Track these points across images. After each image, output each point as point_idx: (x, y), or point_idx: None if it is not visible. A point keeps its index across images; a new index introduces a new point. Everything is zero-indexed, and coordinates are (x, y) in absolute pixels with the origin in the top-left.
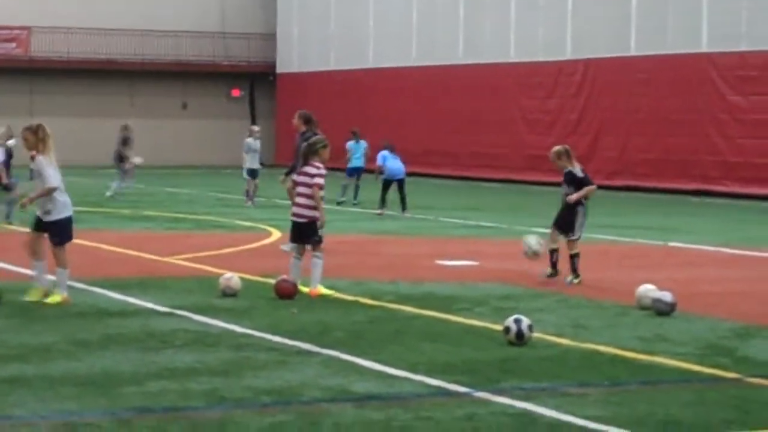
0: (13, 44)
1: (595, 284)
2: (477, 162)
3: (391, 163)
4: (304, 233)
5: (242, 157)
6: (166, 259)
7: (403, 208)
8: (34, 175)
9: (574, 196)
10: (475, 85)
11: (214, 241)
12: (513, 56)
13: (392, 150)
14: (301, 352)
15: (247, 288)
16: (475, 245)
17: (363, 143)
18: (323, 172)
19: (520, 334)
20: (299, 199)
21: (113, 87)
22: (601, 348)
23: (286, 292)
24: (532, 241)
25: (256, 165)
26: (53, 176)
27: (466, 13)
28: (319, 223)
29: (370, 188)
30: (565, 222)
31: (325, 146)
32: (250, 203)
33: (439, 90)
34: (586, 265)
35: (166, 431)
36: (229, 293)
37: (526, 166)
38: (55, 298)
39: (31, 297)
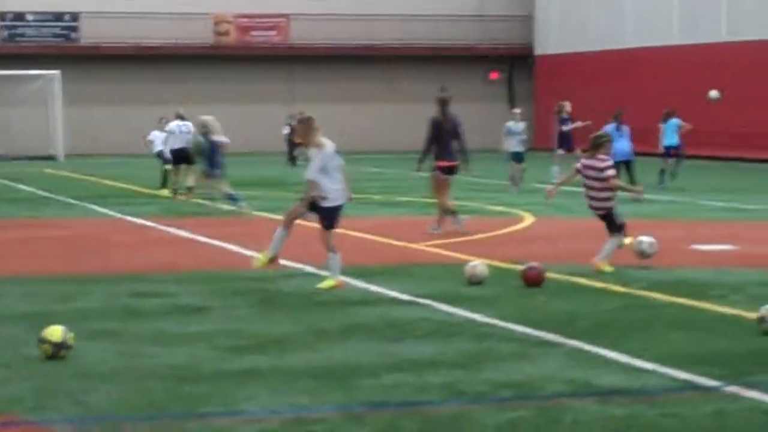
0: (273, 32)
1: None
2: (736, 141)
3: (617, 142)
4: (608, 222)
5: (502, 141)
6: (414, 245)
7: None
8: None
9: None
10: (737, 63)
11: (465, 227)
12: None
13: (619, 125)
14: (544, 343)
15: (494, 275)
16: (733, 228)
17: (675, 121)
18: (610, 162)
19: None
20: (592, 193)
21: (372, 72)
22: None
23: (534, 280)
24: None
25: (519, 148)
26: (313, 169)
27: None
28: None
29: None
30: None
31: (609, 140)
32: (514, 189)
33: (700, 69)
34: None
35: (398, 427)
36: (474, 281)
37: None
38: (328, 283)
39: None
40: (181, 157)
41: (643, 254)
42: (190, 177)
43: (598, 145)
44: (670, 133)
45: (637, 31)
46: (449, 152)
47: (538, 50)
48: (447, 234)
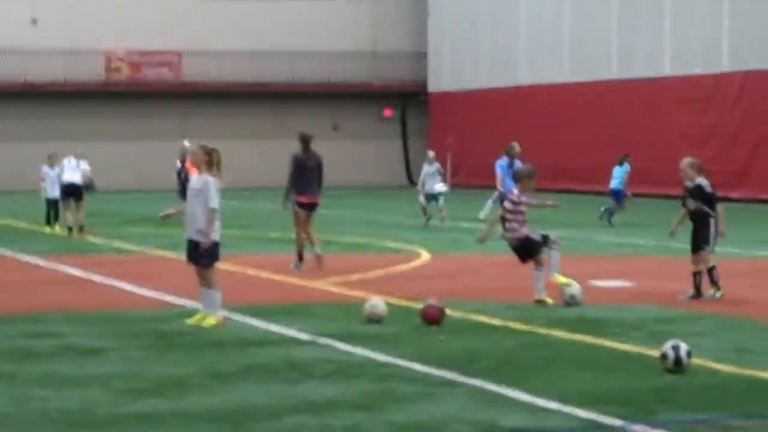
0: (165, 68)
1: (757, 304)
2: (631, 178)
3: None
4: (523, 251)
5: (422, 183)
6: (311, 283)
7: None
8: (195, 192)
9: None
10: (629, 100)
11: (362, 264)
12: (668, 70)
13: (511, 160)
14: (446, 382)
15: (394, 314)
16: (629, 264)
17: (625, 166)
18: (515, 199)
19: (678, 361)
20: (507, 224)
21: (264, 109)
22: (767, 375)
23: (433, 318)
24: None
25: (434, 189)
26: (215, 198)
27: (620, 27)
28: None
29: None
30: (700, 239)
31: (530, 176)
32: (425, 219)
33: (592, 106)
34: (746, 284)
35: None
36: (374, 320)
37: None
38: (209, 321)
39: (192, 320)
40: (71, 191)
41: (571, 301)
42: (81, 213)
43: (517, 179)
44: (618, 178)
45: (528, 68)
46: (311, 189)
47: (432, 87)
48: (344, 271)
